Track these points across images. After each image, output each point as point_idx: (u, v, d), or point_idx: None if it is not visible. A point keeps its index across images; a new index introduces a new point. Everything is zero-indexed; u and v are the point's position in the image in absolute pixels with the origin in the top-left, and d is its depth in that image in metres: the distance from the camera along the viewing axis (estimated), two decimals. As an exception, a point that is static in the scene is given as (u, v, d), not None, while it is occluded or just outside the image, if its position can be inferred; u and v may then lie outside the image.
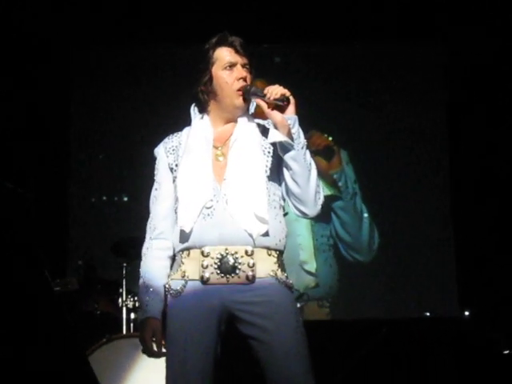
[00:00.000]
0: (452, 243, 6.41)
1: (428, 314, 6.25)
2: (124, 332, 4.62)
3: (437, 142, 6.56)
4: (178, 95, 6.08)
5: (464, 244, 6.29)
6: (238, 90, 2.75)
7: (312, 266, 6.33)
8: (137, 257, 4.98)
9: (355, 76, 6.58)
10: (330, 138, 6.52)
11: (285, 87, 2.67)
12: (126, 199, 6.48)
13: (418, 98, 6.57)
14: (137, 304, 4.68)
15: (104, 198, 6.49)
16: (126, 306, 4.68)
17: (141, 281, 2.80)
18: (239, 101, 2.76)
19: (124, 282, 4.73)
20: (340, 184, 6.46)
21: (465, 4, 6.18)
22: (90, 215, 6.41)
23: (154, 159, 2.90)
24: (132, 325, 4.69)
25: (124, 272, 4.75)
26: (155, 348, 2.73)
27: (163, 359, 3.86)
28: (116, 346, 4.29)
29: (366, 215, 6.45)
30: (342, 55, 6.63)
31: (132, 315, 4.69)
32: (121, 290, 4.72)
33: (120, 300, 4.71)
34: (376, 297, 6.32)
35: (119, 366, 4.24)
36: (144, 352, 2.76)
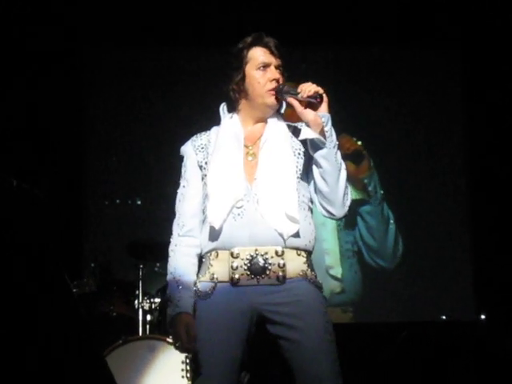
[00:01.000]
0: (469, 247, 6.39)
1: (444, 317, 6.24)
2: (140, 334, 4.61)
3: (458, 149, 6.53)
4: (195, 98, 6.16)
5: (481, 248, 6.27)
6: (270, 90, 2.74)
7: (338, 271, 6.31)
8: (153, 258, 5.02)
9: (379, 81, 6.56)
10: (359, 143, 6.50)
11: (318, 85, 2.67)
12: (139, 202, 6.47)
13: (441, 105, 6.56)
14: (153, 306, 4.69)
15: (117, 200, 6.48)
16: (142, 307, 4.67)
17: (170, 277, 2.75)
18: (271, 100, 2.75)
19: (140, 284, 4.72)
20: (370, 189, 6.43)
21: (479, 7, 6.17)
22: (105, 218, 6.41)
23: (176, 157, 2.89)
24: (148, 327, 4.69)
25: (140, 273, 4.74)
26: (189, 343, 2.66)
27: (179, 361, 3.87)
28: (132, 348, 4.28)
29: (392, 221, 6.43)
30: (364, 59, 6.59)
31: (148, 317, 4.68)
32: (137, 292, 4.71)
33: (136, 302, 4.70)
34: (395, 301, 6.30)
35: (135, 368, 4.24)
36: (177, 348, 2.72)
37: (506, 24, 6.12)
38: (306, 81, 2.73)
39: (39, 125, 6.09)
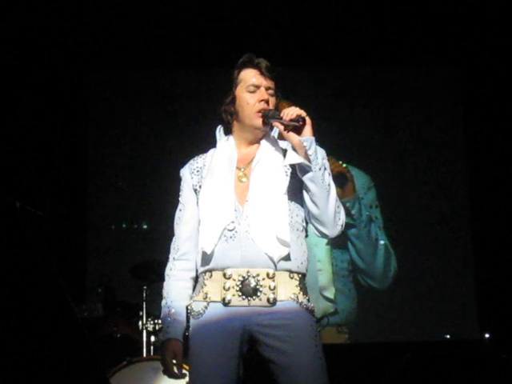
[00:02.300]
0: (472, 265, 6.39)
1: (448, 336, 6.22)
2: (144, 355, 4.62)
3: (457, 169, 6.55)
4: (198, 120, 6.19)
5: (484, 266, 6.27)
6: (258, 111, 2.76)
7: (331, 292, 6.32)
8: (157, 279, 5.02)
9: (375, 100, 6.59)
10: (344, 165, 6.51)
11: (301, 108, 2.68)
12: (145, 226, 6.50)
13: (436, 122, 6.59)
14: (157, 327, 4.69)
15: (124, 225, 6.51)
16: (147, 328, 4.68)
17: (163, 302, 2.80)
18: (258, 122, 2.76)
19: (144, 305, 4.74)
20: (353, 212, 6.44)
21: (477, 27, 6.21)
22: (108, 242, 6.42)
23: (179, 180, 2.91)
24: (152, 348, 4.69)
25: (144, 295, 4.77)
26: (176, 369, 2.73)
27: (183, 382, 3.86)
28: (136, 369, 4.29)
29: (381, 242, 6.44)
30: (357, 79, 6.63)
31: (152, 338, 4.69)
32: (141, 313, 4.73)
33: (140, 323, 4.71)
34: (396, 320, 6.29)
35: (139, 389, 4.24)
36: (165, 373, 2.76)
37: (504, 42, 6.15)
38: (299, 101, 2.75)
39: (44, 150, 6.12)
